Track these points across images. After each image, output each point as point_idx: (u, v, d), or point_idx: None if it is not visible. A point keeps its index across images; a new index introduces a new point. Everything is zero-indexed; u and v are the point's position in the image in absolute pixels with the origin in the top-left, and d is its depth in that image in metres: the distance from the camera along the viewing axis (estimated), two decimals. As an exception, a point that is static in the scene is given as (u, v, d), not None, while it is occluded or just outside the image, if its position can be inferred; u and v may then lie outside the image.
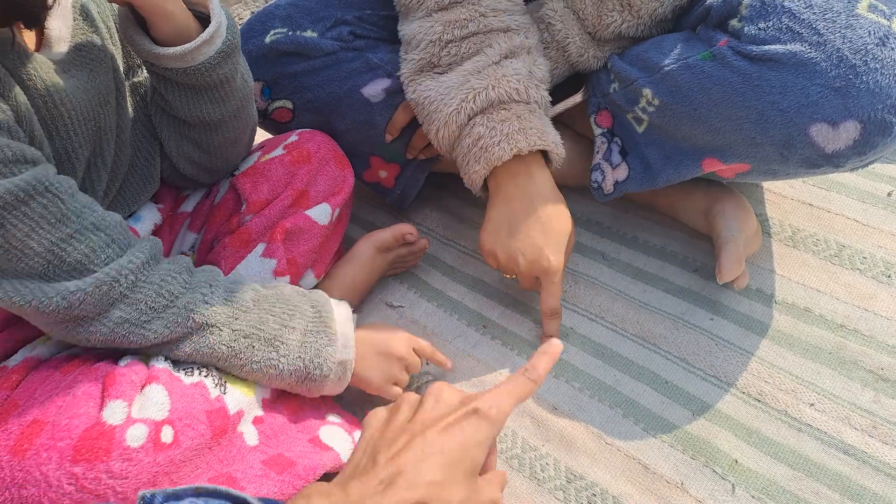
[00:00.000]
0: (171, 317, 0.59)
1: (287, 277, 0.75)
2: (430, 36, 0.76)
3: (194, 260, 0.78)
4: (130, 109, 0.71)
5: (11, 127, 0.53)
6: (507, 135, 0.72)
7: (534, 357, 0.50)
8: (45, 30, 0.60)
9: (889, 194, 0.90)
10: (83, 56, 0.63)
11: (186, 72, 0.65)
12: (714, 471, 0.65)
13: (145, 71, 0.72)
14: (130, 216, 0.73)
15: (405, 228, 0.86)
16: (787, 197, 0.92)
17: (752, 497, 0.63)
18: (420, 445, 0.43)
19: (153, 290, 0.59)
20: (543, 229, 0.74)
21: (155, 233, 0.75)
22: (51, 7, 0.55)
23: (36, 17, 0.55)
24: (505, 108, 0.73)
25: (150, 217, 0.75)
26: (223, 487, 0.41)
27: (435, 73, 0.77)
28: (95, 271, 0.55)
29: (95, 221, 0.56)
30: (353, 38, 0.84)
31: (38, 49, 0.60)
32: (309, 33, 0.82)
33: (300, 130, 0.82)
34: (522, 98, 0.74)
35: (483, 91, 0.73)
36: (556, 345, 0.51)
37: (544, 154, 0.76)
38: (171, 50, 0.63)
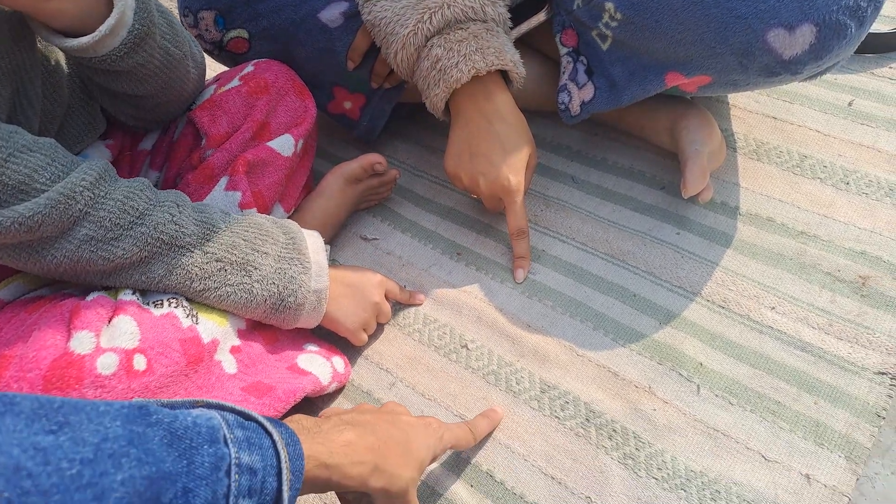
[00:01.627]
0: (139, 235, 0.58)
1: (253, 210, 0.74)
2: None
3: None
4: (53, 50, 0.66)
5: None
6: (464, 55, 0.72)
7: (477, 418, 0.65)
8: None
9: (849, 104, 0.92)
10: None
11: (92, 61, 0.62)
12: (680, 374, 0.69)
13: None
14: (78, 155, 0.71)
15: (374, 158, 0.86)
16: (752, 111, 0.93)
17: (716, 395, 0.66)
18: (383, 419, 0.55)
19: (116, 207, 0.57)
20: (503, 150, 0.75)
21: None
22: None
23: None
24: (462, 28, 0.73)
25: (97, 155, 0.73)
26: (226, 403, 0.44)
27: None
28: (44, 191, 0.54)
29: (27, 143, 0.54)
30: None
31: None
32: None
33: (256, 61, 0.81)
34: (479, 16, 0.73)
35: (438, 10, 0.72)
36: (497, 413, 0.67)
37: (504, 74, 0.76)
38: (69, 42, 0.59)
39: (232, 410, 0.44)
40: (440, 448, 0.58)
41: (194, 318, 0.61)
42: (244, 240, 0.64)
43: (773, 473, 0.61)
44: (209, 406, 0.44)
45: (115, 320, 0.56)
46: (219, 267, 0.62)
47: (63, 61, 0.67)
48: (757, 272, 0.75)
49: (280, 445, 0.43)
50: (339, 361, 0.72)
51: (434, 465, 0.66)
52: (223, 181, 0.72)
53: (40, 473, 0.32)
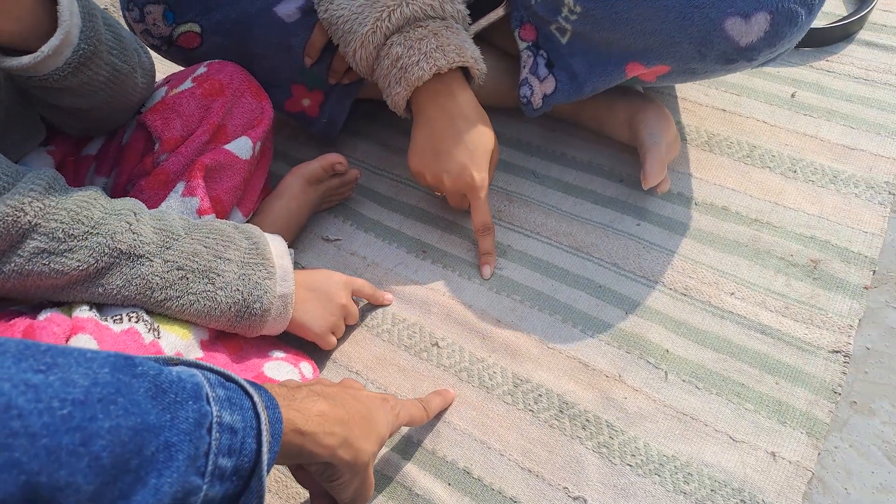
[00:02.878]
0: (94, 245, 0.56)
1: (212, 216, 0.72)
2: None
3: None
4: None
5: None
6: (425, 53, 0.72)
7: (430, 395, 0.67)
8: None
9: (792, 95, 0.96)
10: None
11: (31, 80, 0.59)
12: (648, 361, 0.70)
13: None
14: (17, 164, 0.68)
15: (334, 158, 0.85)
16: (702, 104, 0.96)
17: (683, 381, 0.68)
18: (347, 393, 0.55)
19: (69, 217, 0.55)
20: (466, 147, 0.75)
21: None
22: None
23: None
24: (421, 26, 0.72)
25: (39, 162, 0.69)
26: (205, 363, 0.44)
27: None
28: None
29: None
30: None
31: None
32: None
33: (208, 62, 0.79)
34: (438, 13, 0.73)
35: (397, 8, 0.72)
36: (450, 392, 0.69)
37: (466, 71, 0.77)
38: (8, 62, 0.56)
39: (211, 370, 0.43)
40: (396, 425, 0.59)
41: (156, 333, 0.59)
42: (205, 246, 0.62)
43: (742, 453, 0.63)
44: (188, 365, 0.43)
45: (72, 339, 0.53)
46: (180, 275, 0.60)
47: None
48: (715, 259, 0.78)
49: (260, 407, 0.42)
50: (307, 367, 0.71)
51: (410, 466, 0.66)
52: (180, 186, 0.70)
53: (31, 412, 0.31)
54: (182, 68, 0.84)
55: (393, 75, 0.73)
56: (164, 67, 1.12)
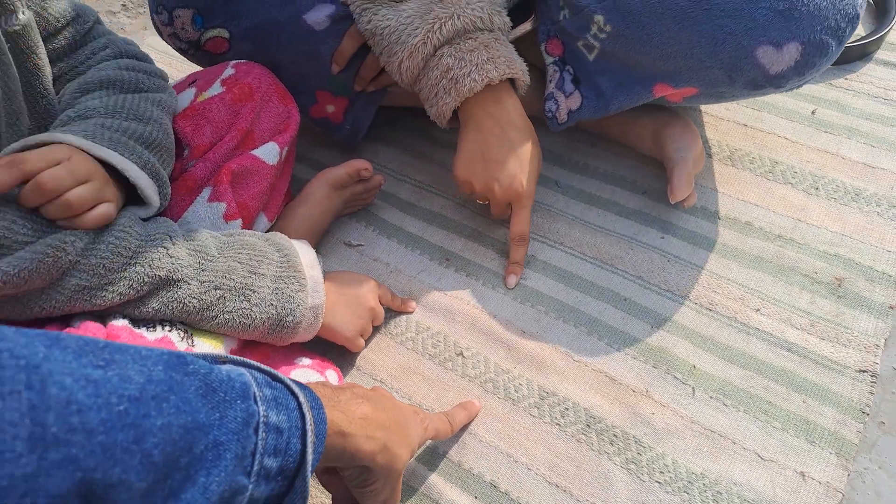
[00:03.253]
0: (133, 276, 0.55)
1: (238, 221, 0.71)
2: None
3: None
4: (13, 65, 0.60)
5: None
6: (476, 65, 0.72)
7: (455, 409, 0.67)
8: None
9: (813, 113, 0.96)
10: None
11: None
12: (675, 377, 0.70)
13: (22, 14, 0.60)
14: None
15: (359, 164, 0.84)
16: (724, 119, 0.96)
17: (710, 397, 0.68)
18: (386, 398, 0.55)
19: (108, 250, 0.54)
20: (518, 156, 0.75)
21: None
22: None
23: None
24: (471, 38, 0.73)
25: None
26: (251, 361, 0.44)
27: (392, 0, 0.74)
28: (26, 242, 0.50)
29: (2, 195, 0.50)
30: None
31: None
32: None
33: (235, 62, 0.78)
34: (487, 26, 0.73)
35: (448, 20, 0.71)
36: (475, 405, 0.69)
37: (510, 81, 0.76)
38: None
39: (258, 369, 0.43)
40: (425, 437, 0.59)
41: (190, 341, 0.59)
42: (239, 262, 0.62)
43: (770, 472, 0.63)
44: (236, 363, 0.43)
45: None
46: (217, 296, 0.60)
47: (16, 77, 0.60)
48: (740, 275, 0.78)
49: (305, 408, 0.42)
50: (332, 374, 0.70)
51: (435, 477, 0.65)
52: (206, 192, 0.69)
53: (90, 407, 0.31)
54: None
55: (442, 86, 0.73)
56: (181, 63, 1.11)
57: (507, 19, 0.76)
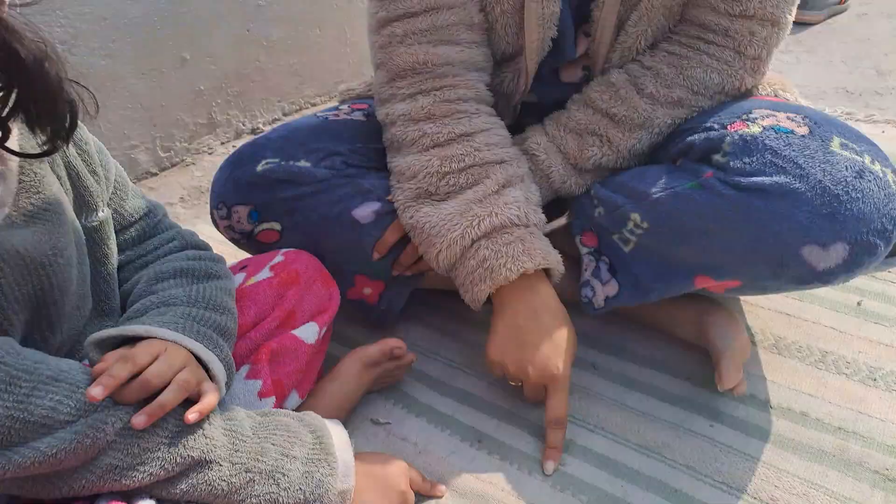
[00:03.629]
0: (167, 456, 0.53)
1: (272, 399, 0.70)
2: (427, 168, 0.79)
3: None
4: (87, 255, 0.65)
5: None
6: (512, 257, 0.75)
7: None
8: None
9: (859, 304, 0.94)
10: (27, 216, 0.56)
11: None
12: (740, 586, 0.61)
13: (102, 212, 0.67)
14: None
15: (393, 343, 0.84)
16: (764, 307, 0.94)
17: None
18: None
19: (146, 430, 0.53)
20: (552, 340, 0.75)
21: None
22: None
23: None
24: (508, 232, 0.76)
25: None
26: None
27: (433, 200, 0.80)
28: (68, 422, 0.50)
29: (52, 374, 0.50)
30: (346, 166, 0.87)
31: None
32: (302, 163, 0.84)
33: (285, 250, 0.82)
34: (523, 222, 0.77)
35: (486, 217, 0.76)
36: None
37: (545, 270, 0.78)
38: None
39: None
40: None
41: None
42: (273, 444, 0.60)
43: None
44: None
45: None
46: (248, 479, 0.57)
47: (88, 268, 0.65)
48: (801, 468, 0.71)
49: None
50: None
51: None
52: (244, 369, 0.70)
53: None
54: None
55: (478, 274, 0.76)
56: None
57: (543, 216, 0.80)
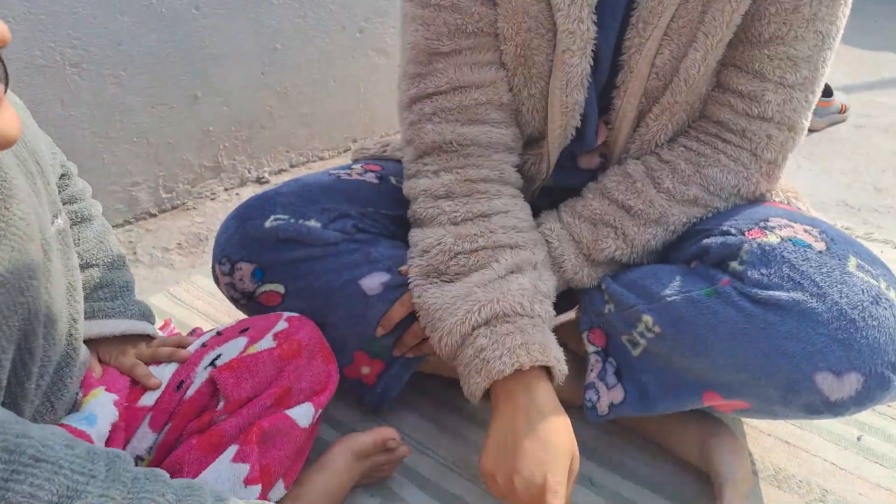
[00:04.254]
0: None
1: (258, 487, 0.66)
2: (440, 245, 0.77)
3: (148, 462, 0.69)
4: (56, 266, 0.59)
5: None
6: (509, 348, 0.71)
7: None
8: None
9: (859, 439, 0.92)
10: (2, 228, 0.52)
11: None
12: None
13: (64, 215, 0.63)
14: (74, 408, 0.64)
15: (387, 433, 0.80)
16: (766, 433, 0.93)
17: None
18: None
19: None
20: (544, 447, 0.70)
21: (111, 433, 0.65)
22: None
23: None
24: (509, 321, 0.73)
25: (106, 416, 0.65)
26: None
27: (442, 280, 0.77)
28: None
29: (34, 453, 0.46)
30: (356, 231, 0.85)
31: None
32: (312, 223, 0.83)
33: (288, 316, 0.79)
34: (526, 312, 0.74)
35: (488, 304, 0.73)
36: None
37: (546, 370, 0.75)
38: None
39: None
40: None
41: None
42: None
43: None
44: None
45: None
46: None
47: (56, 282, 0.60)
48: None
49: None
50: None
51: None
52: (232, 450, 0.65)
53: None
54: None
55: (474, 365, 0.72)
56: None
57: (551, 309, 0.77)
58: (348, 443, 0.79)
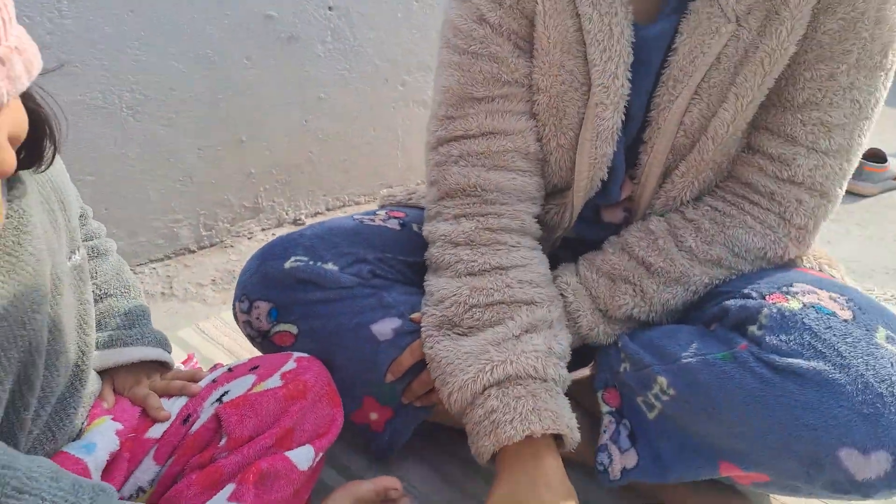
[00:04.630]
0: None
1: None
2: (456, 297, 0.77)
3: (150, 494, 0.69)
4: (68, 300, 0.62)
5: None
6: (520, 413, 0.70)
7: None
8: None
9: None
10: (9, 259, 0.54)
11: None
12: None
13: (82, 251, 0.66)
14: (79, 436, 0.65)
15: (389, 482, 0.78)
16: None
17: None
18: None
19: None
20: None
21: (111, 462, 0.66)
22: None
23: None
24: (521, 384, 0.72)
25: (105, 444, 0.66)
26: None
27: (455, 332, 0.77)
28: None
29: (18, 484, 0.47)
30: (372, 276, 0.86)
31: None
32: (330, 266, 0.84)
33: (298, 356, 0.79)
34: (539, 375, 0.73)
35: (501, 364, 0.72)
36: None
37: (557, 436, 0.73)
38: None
39: None
40: None
41: None
42: None
43: None
44: None
45: None
46: None
47: (64, 315, 0.61)
48: None
49: None
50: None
51: None
52: (228, 489, 0.65)
53: None
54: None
55: (483, 427, 0.71)
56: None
57: (564, 371, 0.76)
58: (350, 490, 0.77)
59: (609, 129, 0.78)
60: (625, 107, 0.77)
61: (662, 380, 0.72)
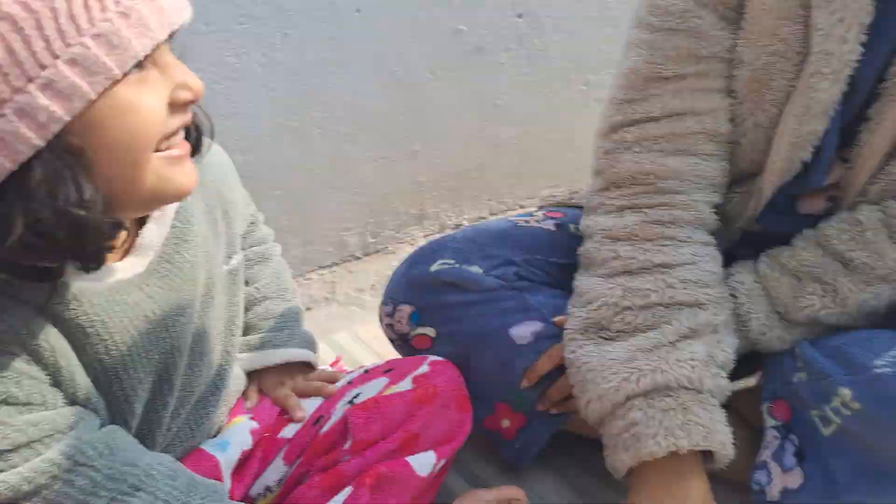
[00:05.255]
0: None
1: None
2: (607, 298, 0.73)
3: (276, 494, 0.73)
4: (219, 302, 0.65)
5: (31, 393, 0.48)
6: (666, 427, 0.65)
7: None
8: (136, 237, 0.56)
9: None
10: (166, 265, 0.57)
11: None
12: None
13: (239, 256, 0.71)
14: (218, 433, 0.71)
15: (512, 492, 0.77)
16: None
17: None
18: None
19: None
20: None
21: (244, 460, 0.71)
22: (111, 250, 0.51)
23: (95, 260, 0.50)
24: (671, 396, 0.67)
25: (239, 442, 0.71)
26: None
27: (601, 336, 0.73)
28: None
29: (135, 482, 0.51)
30: (517, 278, 0.85)
31: (123, 256, 0.56)
32: (475, 269, 0.84)
33: (432, 359, 0.80)
34: (694, 386, 0.67)
35: (650, 373, 0.67)
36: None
37: (705, 451, 0.67)
38: None
39: None
40: None
41: None
42: None
43: None
44: None
45: None
46: None
47: (213, 319, 0.66)
48: None
49: None
50: None
51: None
52: (345, 492, 0.67)
53: None
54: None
55: (622, 440, 0.67)
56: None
57: (724, 381, 0.69)
58: (471, 499, 0.77)
59: (823, 102, 0.68)
60: (849, 76, 0.68)
61: (846, 392, 0.63)
